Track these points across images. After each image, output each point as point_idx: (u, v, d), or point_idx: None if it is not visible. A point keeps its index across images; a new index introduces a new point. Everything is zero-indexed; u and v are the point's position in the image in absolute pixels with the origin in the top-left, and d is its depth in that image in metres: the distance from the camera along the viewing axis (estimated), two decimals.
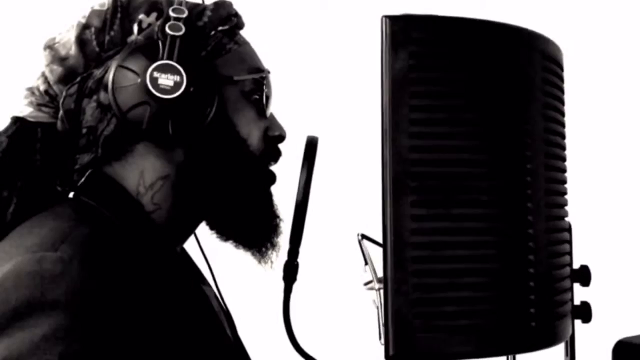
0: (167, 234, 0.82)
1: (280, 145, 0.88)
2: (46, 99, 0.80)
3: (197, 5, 0.82)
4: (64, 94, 0.78)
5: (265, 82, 0.84)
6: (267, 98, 0.84)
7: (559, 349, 0.95)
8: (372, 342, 0.81)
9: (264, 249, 0.85)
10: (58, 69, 0.78)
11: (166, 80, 0.73)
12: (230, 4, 0.84)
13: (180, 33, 0.74)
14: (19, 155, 0.78)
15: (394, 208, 0.65)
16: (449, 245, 0.67)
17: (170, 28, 0.74)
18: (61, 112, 0.78)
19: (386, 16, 0.66)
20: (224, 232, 0.85)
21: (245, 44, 0.85)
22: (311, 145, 0.84)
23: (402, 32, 0.66)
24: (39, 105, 0.80)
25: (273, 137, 0.85)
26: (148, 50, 0.74)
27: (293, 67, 1.76)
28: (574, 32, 1.87)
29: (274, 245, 0.86)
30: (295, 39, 1.94)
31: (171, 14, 0.75)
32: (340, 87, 1.92)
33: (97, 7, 0.80)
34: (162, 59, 0.73)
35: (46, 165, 0.79)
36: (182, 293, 0.80)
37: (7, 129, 0.79)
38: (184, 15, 0.75)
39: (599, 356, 1.01)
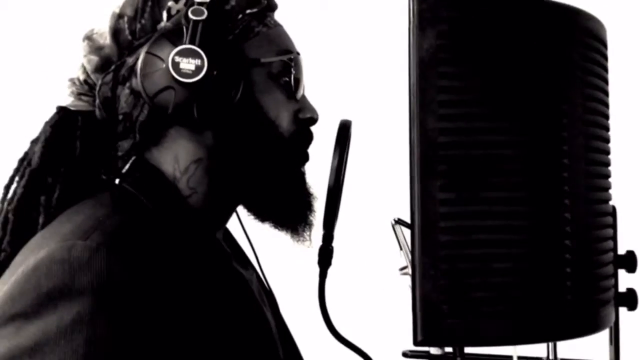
0: (204, 218, 0.83)
1: (314, 130, 0.88)
2: (85, 88, 0.82)
3: None
4: (99, 82, 0.79)
5: (293, 64, 0.83)
6: (297, 80, 0.84)
7: (604, 337, 0.92)
8: (406, 327, 0.80)
9: (299, 227, 0.85)
10: (94, 59, 0.80)
11: (188, 64, 0.73)
12: None
13: (202, 17, 0.74)
14: (61, 143, 0.80)
15: (422, 192, 0.64)
16: (479, 229, 0.65)
17: (193, 13, 0.75)
18: (98, 100, 0.80)
19: None
20: (260, 213, 0.86)
21: (276, 26, 0.85)
22: (344, 129, 0.84)
23: (430, 10, 0.64)
24: (79, 95, 0.82)
25: (304, 120, 0.85)
26: (173, 36, 0.75)
27: (322, 50, 1.75)
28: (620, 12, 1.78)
29: (308, 223, 0.86)
30: (323, 22, 1.93)
31: (181, 6, 0.76)
32: (370, 69, 1.90)
33: None
34: (184, 43, 0.74)
35: (88, 152, 0.81)
36: (217, 277, 0.81)
37: (51, 119, 0.82)
38: (208, 0, 0.75)
39: None
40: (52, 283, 0.62)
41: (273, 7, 0.86)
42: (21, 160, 0.80)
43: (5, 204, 0.78)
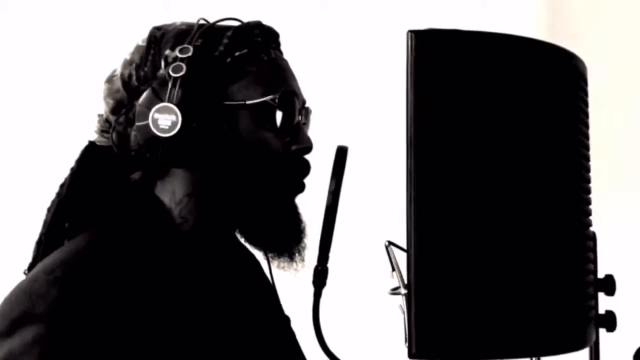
0: (195, 242, 0.88)
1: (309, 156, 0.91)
2: (106, 125, 0.90)
3: (220, 31, 0.87)
4: (114, 123, 0.88)
5: (278, 103, 0.87)
6: (286, 116, 0.88)
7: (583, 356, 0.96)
8: (398, 346, 0.83)
9: (291, 254, 0.90)
10: (111, 102, 0.89)
11: (165, 120, 0.81)
12: (255, 26, 0.89)
13: (181, 74, 0.81)
14: (87, 175, 0.88)
15: (417, 215, 0.68)
16: (471, 252, 0.69)
17: (173, 70, 0.81)
18: (114, 138, 0.88)
19: (411, 31, 0.69)
20: (250, 240, 0.90)
21: (271, 62, 0.89)
22: (341, 153, 0.88)
23: (427, 46, 0.70)
24: (102, 132, 0.91)
25: (297, 150, 0.89)
26: (158, 90, 0.82)
27: (321, 78, 1.80)
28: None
29: (300, 249, 0.90)
30: (323, 51, 1.99)
31: (177, 54, 0.82)
32: (369, 95, 1.96)
33: (140, 43, 0.88)
34: (165, 100, 0.81)
35: (107, 183, 0.89)
36: (202, 294, 0.85)
37: (81, 152, 0.90)
38: (189, 55, 0.82)
39: None
40: (19, 310, 0.74)
41: (269, 42, 0.90)
42: (61, 186, 0.88)
43: (41, 227, 0.87)
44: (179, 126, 0.80)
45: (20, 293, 0.75)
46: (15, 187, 2.00)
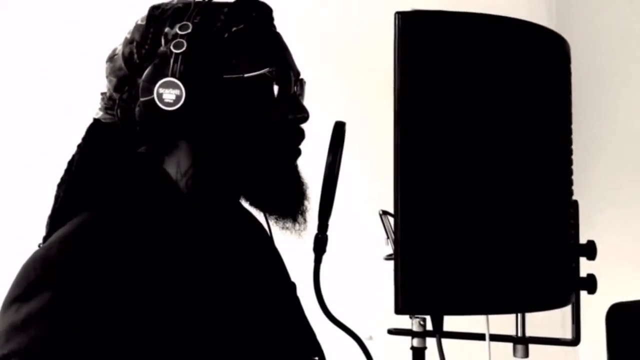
0: (201, 209, 0.93)
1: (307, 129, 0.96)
2: (110, 103, 0.94)
3: (217, 8, 0.91)
4: (118, 100, 0.91)
5: (276, 74, 0.91)
6: (283, 86, 0.92)
7: (567, 318, 1.03)
8: (391, 308, 0.89)
9: (294, 214, 0.94)
10: (113, 80, 0.92)
11: (169, 95, 0.84)
12: (250, 2, 0.92)
13: (182, 50, 0.85)
14: (94, 151, 0.91)
15: (402, 185, 0.74)
16: (457, 214, 0.75)
17: (174, 46, 0.85)
18: (118, 115, 0.92)
19: (398, 12, 0.74)
20: (258, 205, 0.95)
21: (265, 36, 0.93)
22: (339, 129, 0.93)
23: (414, 27, 0.74)
24: (106, 109, 0.95)
25: (294, 119, 0.93)
26: (161, 66, 0.86)
27: (316, 55, 1.83)
28: None
29: (303, 210, 0.95)
30: (317, 37, 2.02)
31: (177, 31, 0.86)
32: (361, 75, 2.00)
33: (139, 22, 0.92)
34: (168, 75, 0.85)
35: (114, 158, 0.92)
36: (211, 260, 0.91)
37: (87, 129, 0.93)
38: (188, 31, 0.85)
39: (595, 320, 1.09)
40: (35, 275, 0.79)
41: (264, 17, 0.94)
42: (69, 162, 0.92)
43: (53, 202, 0.91)
44: (183, 99, 0.84)
45: (36, 260, 0.80)
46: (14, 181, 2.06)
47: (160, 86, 0.84)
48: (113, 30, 1.02)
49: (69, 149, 0.92)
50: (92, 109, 0.97)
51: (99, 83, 0.96)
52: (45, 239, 0.87)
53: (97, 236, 0.82)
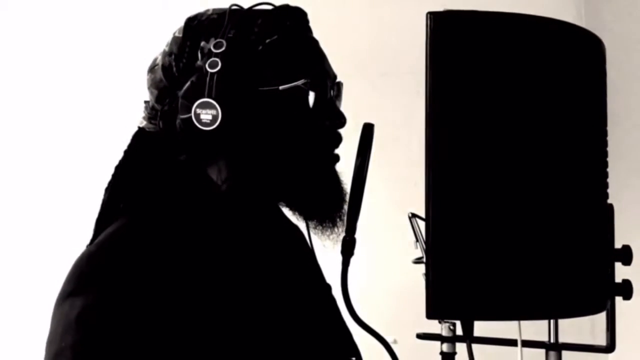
0: (242, 214, 0.93)
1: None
2: (153, 113, 0.96)
3: (251, 19, 0.91)
4: (160, 112, 0.93)
5: (311, 85, 0.91)
6: (319, 94, 0.92)
7: (601, 324, 1.00)
8: (420, 312, 0.88)
9: (334, 222, 0.95)
10: (155, 92, 0.94)
11: (206, 115, 0.86)
12: (284, 10, 0.92)
13: (217, 69, 0.85)
14: (137, 158, 0.94)
15: (435, 183, 0.73)
16: (491, 220, 0.74)
17: (209, 65, 0.86)
18: (160, 126, 0.94)
19: (430, 13, 0.73)
20: (298, 211, 0.96)
21: (299, 45, 0.93)
22: (367, 131, 0.92)
23: (446, 28, 0.73)
24: (149, 119, 0.96)
25: (332, 125, 0.94)
26: (198, 84, 0.87)
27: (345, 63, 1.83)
28: None
29: (340, 217, 0.95)
30: (344, 40, 2.01)
31: (212, 48, 0.86)
32: (393, 77, 1.99)
33: (177, 34, 0.93)
34: (203, 96, 0.86)
35: (155, 165, 0.94)
36: (251, 261, 0.91)
37: (134, 136, 0.96)
38: (223, 49, 0.86)
39: (631, 327, 1.06)
40: (89, 269, 0.82)
41: (298, 24, 0.94)
42: (116, 168, 0.94)
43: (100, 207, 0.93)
44: (219, 120, 0.85)
45: (83, 259, 0.82)
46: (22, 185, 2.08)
47: (198, 107, 0.86)
48: (113, 30, 1.03)
49: (66, 149, 0.94)
50: (95, 109, 0.98)
51: (99, 82, 0.97)
52: (92, 240, 0.89)
53: (140, 236, 0.84)
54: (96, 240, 0.85)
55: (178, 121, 0.89)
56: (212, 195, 0.92)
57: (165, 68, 0.92)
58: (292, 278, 0.97)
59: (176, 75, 0.91)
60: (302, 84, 0.90)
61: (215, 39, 0.87)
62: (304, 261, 1.04)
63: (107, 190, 0.92)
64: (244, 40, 0.90)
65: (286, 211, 0.99)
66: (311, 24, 0.98)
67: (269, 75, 0.90)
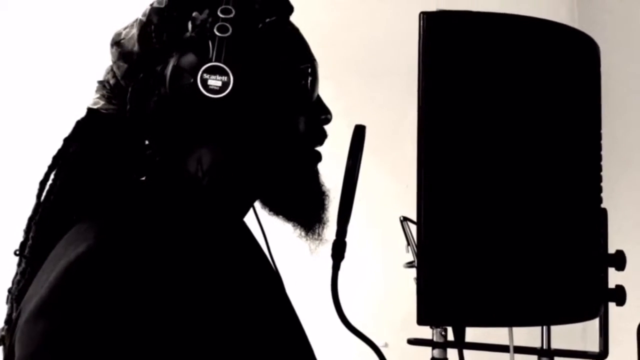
0: (222, 210, 0.88)
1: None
2: (116, 92, 0.86)
3: None
4: (130, 89, 0.84)
5: (310, 71, 0.87)
6: (313, 84, 0.88)
7: (594, 330, 0.99)
8: (411, 317, 0.86)
9: (312, 224, 0.90)
10: (124, 66, 0.85)
11: (215, 81, 0.78)
12: None
13: (227, 34, 0.78)
14: (96, 145, 0.84)
15: (426, 193, 0.71)
16: (481, 225, 0.72)
17: (219, 30, 0.79)
18: (129, 105, 0.84)
19: (423, 13, 0.72)
20: (274, 208, 0.91)
21: (292, 31, 0.89)
22: (358, 133, 0.91)
23: (439, 28, 0.72)
24: (109, 99, 0.87)
25: (318, 120, 0.90)
26: (199, 50, 0.79)
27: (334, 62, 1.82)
28: None
29: (321, 220, 0.90)
30: (335, 41, 2.00)
31: (219, 14, 0.79)
32: (385, 78, 1.98)
33: (156, 5, 0.85)
34: (211, 59, 0.78)
35: (119, 153, 0.86)
36: (235, 258, 0.87)
37: (83, 120, 0.86)
38: (232, 15, 0.79)
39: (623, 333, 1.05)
40: (63, 295, 0.71)
41: (289, 11, 0.89)
42: (56, 158, 0.84)
43: (42, 199, 0.83)
44: (230, 86, 0.77)
45: (71, 263, 0.71)
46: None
47: (205, 71, 0.77)
48: (113, 30, 0.98)
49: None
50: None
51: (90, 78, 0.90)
52: (33, 246, 0.80)
53: (121, 260, 0.73)
54: (72, 260, 0.73)
55: (162, 94, 0.80)
56: (191, 199, 0.84)
57: (143, 39, 0.83)
58: (255, 279, 0.90)
59: (157, 47, 0.83)
60: (303, 67, 0.86)
61: (211, 12, 0.80)
62: (256, 258, 0.95)
63: (51, 190, 0.82)
64: (246, 14, 0.83)
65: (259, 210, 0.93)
66: (306, 25, 0.96)
67: (273, 55, 0.84)
